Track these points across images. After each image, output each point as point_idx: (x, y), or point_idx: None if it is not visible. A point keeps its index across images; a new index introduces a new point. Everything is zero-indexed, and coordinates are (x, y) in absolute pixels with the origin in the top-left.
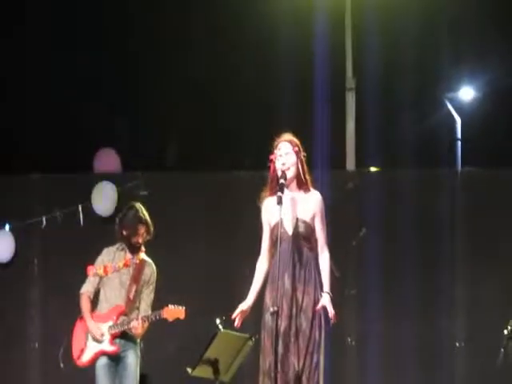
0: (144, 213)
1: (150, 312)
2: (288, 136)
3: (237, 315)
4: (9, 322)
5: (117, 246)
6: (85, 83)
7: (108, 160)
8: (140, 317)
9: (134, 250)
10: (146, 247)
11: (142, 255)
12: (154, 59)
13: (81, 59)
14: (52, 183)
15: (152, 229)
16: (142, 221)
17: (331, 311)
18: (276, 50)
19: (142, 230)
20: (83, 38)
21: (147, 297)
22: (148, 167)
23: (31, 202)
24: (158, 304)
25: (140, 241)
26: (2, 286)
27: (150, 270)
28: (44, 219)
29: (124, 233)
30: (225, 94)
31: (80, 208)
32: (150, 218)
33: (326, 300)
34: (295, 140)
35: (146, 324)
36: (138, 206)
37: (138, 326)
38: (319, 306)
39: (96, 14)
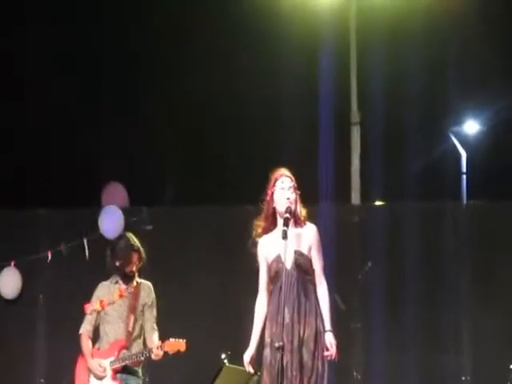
0: (134, 240)
1: (156, 328)
2: (286, 171)
3: (248, 365)
4: (15, 358)
5: (110, 279)
6: (89, 119)
7: (115, 194)
8: (157, 345)
9: (128, 279)
10: (150, 280)
11: (136, 280)
12: (155, 91)
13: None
14: (58, 218)
15: (144, 255)
16: (134, 248)
17: (334, 350)
18: (281, 84)
19: (135, 257)
20: (85, 72)
21: (151, 315)
22: (153, 202)
23: (37, 236)
24: (161, 336)
25: (134, 269)
26: (8, 321)
27: (147, 291)
28: (49, 254)
29: (117, 263)
30: (229, 128)
31: (85, 242)
32: (155, 252)
33: (330, 338)
34: (292, 177)
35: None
36: (128, 234)
37: (159, 353)
38: (325, 345)
39: (95, 50)
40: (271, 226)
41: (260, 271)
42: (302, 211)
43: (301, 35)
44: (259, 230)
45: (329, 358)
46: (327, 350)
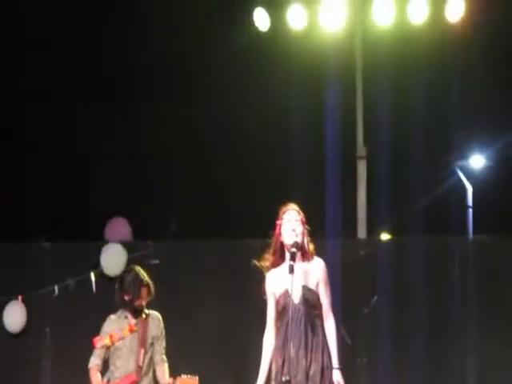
0: (144, 274)
1: (165, 359)
2: (294, 205)
3: None
4: None
5: (118, 313)
6: (97, 155)
7: (119, 229)
8: (168, 382)
9: (137, 313)
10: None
11: (145, 312)
12: (159, 122)
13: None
14: (63, 251)
15: (153, 289)
16: (143, 283)
17: None
18: (286, 118)
19: (144, 292)
20: (91, 103)
21: (160, 347)
22: (158, 236)
23: (42, 270)
24: (171, 372)
25: (143, 304)
26: (15, 356)
27: (156, 322)
28: (56, 288)
29: (126, 298)
30: (235, 163)
31: (92, 275)
32: (161, 286)
33: (338, 377)
34: (300, 211)
35: None
36: (137, 268)
37: None
38: (336, 383)
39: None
40: (279, 260)
41: (268, 306)
42: (309, 245)
43: (305, 70)
44: (267, 264)
45: None
46: None
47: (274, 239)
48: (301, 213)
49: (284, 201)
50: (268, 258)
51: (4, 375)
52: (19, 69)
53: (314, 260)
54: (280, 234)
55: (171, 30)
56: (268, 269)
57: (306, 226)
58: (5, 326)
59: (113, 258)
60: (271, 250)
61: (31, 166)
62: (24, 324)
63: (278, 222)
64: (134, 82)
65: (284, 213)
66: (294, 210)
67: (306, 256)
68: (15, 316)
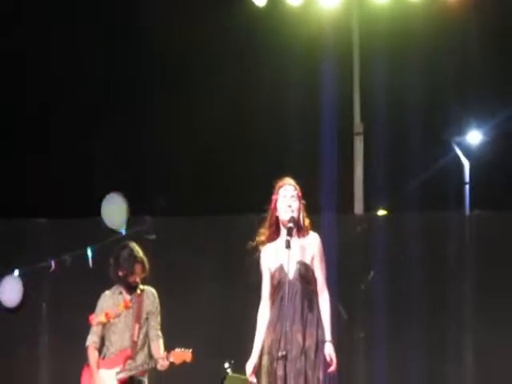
0: (138, 250)
1: (160, 334)
2: (291, 180)
3: (251, 375)
4: (18, 367)
5: (113, 289)
6: (94, 132)
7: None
8: (162, 356)
9: (132, 289)
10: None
11: (139, 287)
12: (160, 103)
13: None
14: (59, 228)
15: (147, 266)
16: (137, 260)
17: (334, 361)
18: (283, 94)
19: (138, 268)
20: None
21: (155, 323)
22: (155, 211)
23: (39, 246)
24: (166, 346)
25: (137, 280)
26: (11, 331)
27: (151, 298)
28: (52, 263)
29: (120, 273)
30: (231, 138)
31: (89, 251)
32: (158, 261)
33: (330, 349)
34: (297, 186)
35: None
36: (132, 244)
37: (165, 363)
38: (327, 356)
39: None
40: (274, 234)
41: (263, 280)
42: (305, 221)
43: (302, 46)
44: (262, 238)
45: (329, 369)
46: (326, 362)
47: (269, 213)
48: (297, 187)
49: (283, 175)
50: (263, 232)
51: (1, 351)
52: (21, 59)
53: (309, 235)
54: (275, 208)
55: (167, 9)
56: (263, 243)
57: (303, 201)
58: (1, 300)
59: (113, 212)
60: (266, 225)
61: (31, 145)
62: (20, 298)
63: (273, 197)
64: (133, 66)
65: (280, 187)
66: (290, 185)
67: (301, 231)
68: (11, 290)
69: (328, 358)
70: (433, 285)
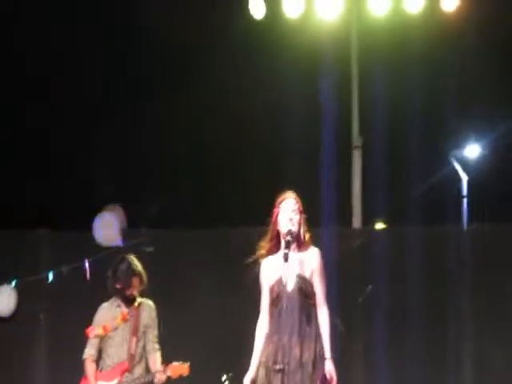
0: (136, 264)
1: (158, 347)
2: (292, 194)
3: None
4: (15, 379)
5: (111, 301)
6: (92, 144)
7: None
8: (159, 370)
9: (129, 302)
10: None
11: (137, 300)
12: (158, 112)
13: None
14: (59, 239)
15: (145, 279)
16: (135, 273)
17: (335, 378)
18: (282, 108)
19: (135, 281)
20: (89, 98)
21: (152, 336)
22: (152, 224)
23: (37, 257)
24: (164, 359)
25: (135, 293)
26: (8, 343)
27: (148, 310)
28: (50, 274)
29: (118, 286)
30: (230, 151)
31: (86, 263)
32: (156, 274)
33: (330, 367)
34: (298, 199)
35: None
36: (130, 257)
37: (162, 377)
38: (327, 374)
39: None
40: (275, 248)
41: (262, 293)
42: (306, 235)
43: (300, 59)
44: (263, 251)
45: None
46: (326, 379)
47: (270, 227)
48: (298, 201)
49: (281, 189)
50: (264, 245)
51: None
52: (21, 59)
53: (309, 249)
54: (277, 222)
55: (167, 19)
56: (263, 256)
57: (303, 215)
58: None
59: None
60: (267, 238)
61: (31, 154)
62: (14, 308)
63: (275, 210)
64: (133, 71)
65: (282, 201)
66: (291, 198)
67: (302, 245)
68: (5, 299)
69: (328, 376)
70: (431, 297)
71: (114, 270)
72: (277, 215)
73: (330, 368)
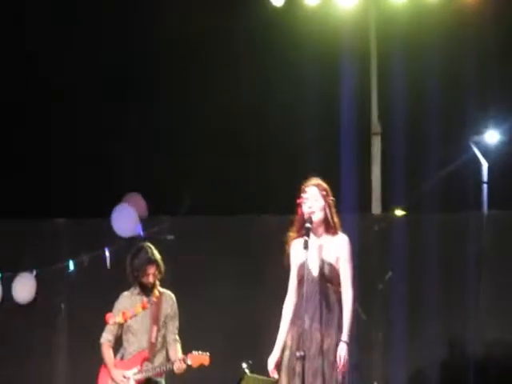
0: (154, 252)
1: (178, 339)
2: (315, 180)
3: (273, 370)
4: (35, 368)
5: (131, 290)
6: (111, 131)
7: (135, 204)
8: (180, 358)
9: (148, 290)
10: (171, 290)
11: (158, 290)
12: (177, 103)
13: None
14: (78, 228)
15: (163, 267)
16: (151, 261)
17: (343, 362)
18: (301, 95)
19: (152, 270)
20: (110, 85)
21: (173, 327)
22: (174, 212)
23: (57, 246)
24: (183, 347)
25: (151, 280)
26: (29, 332)
27: (170, 302)
28: (71, 263)
29: (135, 274)
30: (250, 140)
31: (107, 251)
32: (176, 261)
33: (342, 350)
34: (323, 184)
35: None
36: (147, 246)
37: (181, 366)
38: (337, 357)
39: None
40: (302, 235)
41: (291, 274)
42: (334, 218)
43: (319, 46)
44: (294, 236)
45: (338, 370)
46: (336, 362)
47: (296, 218)
48: (321, 185)
49: (301, 177)
50: (292, 235)
51: (20, 351)
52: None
53: (338, 235)
54: (302, 212)
55: (186, 6)
56: (293, 239)
57: (331, 198)
58: (14, 297)
59: (126, 221)
60: (295, 228)
61: (52, 143)
62: (33, 295)
63: (298, 201)
64: (153, 62)
65: (304, 190)
66: (312, 185)
67: (329, 230)
68: (23, 287)
69: (337, 359)
70: (451, 284)
71: (131, 258)
72: (300, 204)
73: (342, 351)
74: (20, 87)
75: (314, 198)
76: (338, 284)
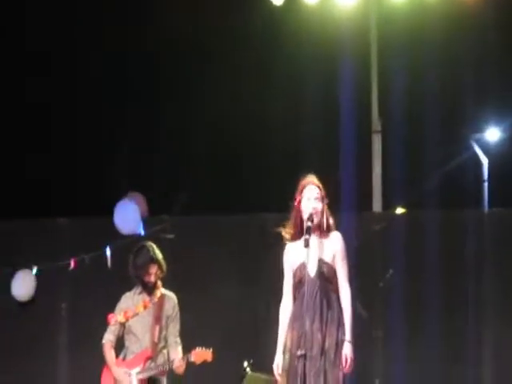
0: (155, 251)
1: (179, 341)
2: (314, 179)
3: (278, 375)
4: (37, 366)
5: (134, 290)
6: (111, 131)
7: (138, 204)
8: (181, 357)
9: (149, 289)
10: (172, 289)
11: (160, 291)
12: (175, 102)
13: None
14: (79, 227)
15: (164, 266)
16: (153, 260)
17: (349, 362)
18: (301, 93)
19: (153, 269)
20: (110, 85)
21: (174, 329)
22: (172, 211)
23: (58, 246)
24: (185, 346)
25: (152, 279)
26: (30, 331)
27: (171, 303)
28: (72, 262)
29: (137, 273)
30: (249, 137)
31: (108, 251)
32: (177, 260)
33: (347, 350)
34: (320, 185)
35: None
36: (149, 244)
37: (181, 365)
38: (343, 357)
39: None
40: (298, 234)
41: (285, 278)
42: (329, 220)
43: (320, 45)
44: (287, 237)
45: (343, 370)
46: (342, 361)
47: (293, 213)
48: (320, 187)
49: (301, 175)
50: (288, 231)
51: (20, 351)
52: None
53: (331, 233)
54: (300, 209)
55: (185, 8)
56: (288, 241)
57: (326, 200)
58: (13, 294)
59: (128, 216)
60: (291, 225)
61: (53, 143)
62: (33, 293)
63: (297, 197)
64: (153, 62)
65: (304, 188)
66: (313, 185)
67: (324, 230)
68: (23, 284)
69: (343, 358)
70: (451, 282)
71: (133, 257)
72: (299, 202)
73: (347, 350)
74: (20, 86)
75: (316, 199)
76: (336, 282)
